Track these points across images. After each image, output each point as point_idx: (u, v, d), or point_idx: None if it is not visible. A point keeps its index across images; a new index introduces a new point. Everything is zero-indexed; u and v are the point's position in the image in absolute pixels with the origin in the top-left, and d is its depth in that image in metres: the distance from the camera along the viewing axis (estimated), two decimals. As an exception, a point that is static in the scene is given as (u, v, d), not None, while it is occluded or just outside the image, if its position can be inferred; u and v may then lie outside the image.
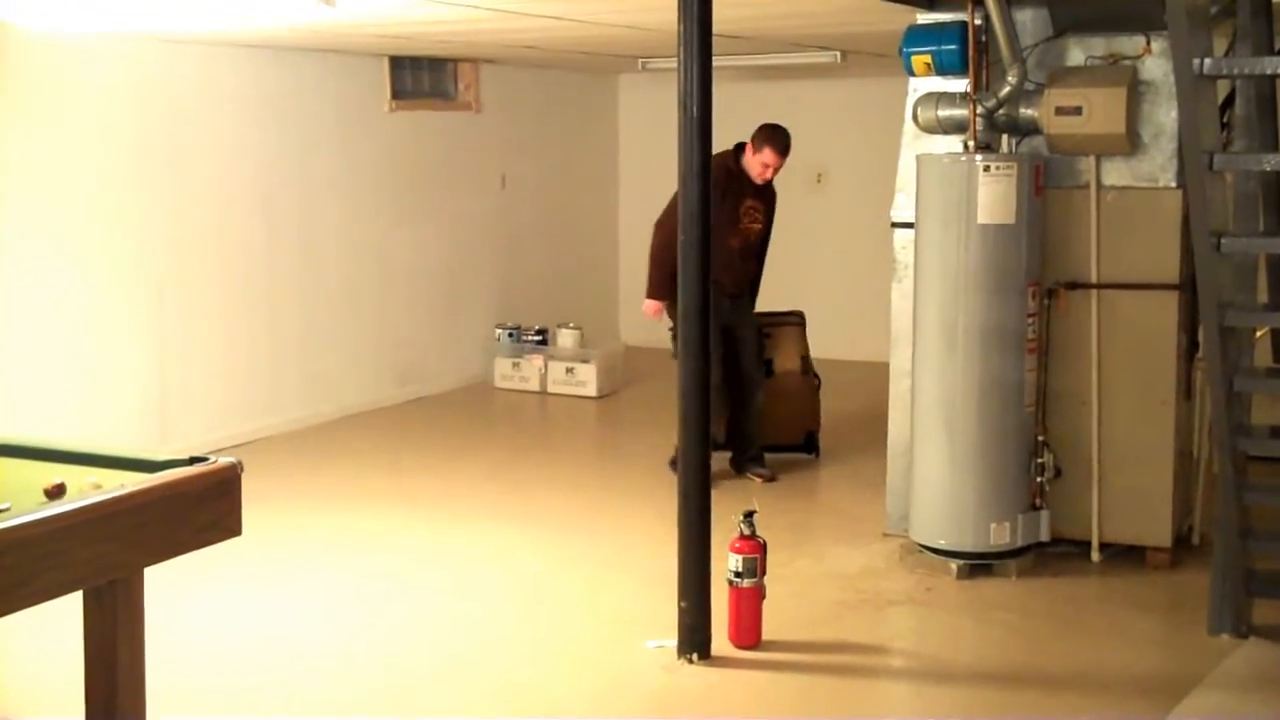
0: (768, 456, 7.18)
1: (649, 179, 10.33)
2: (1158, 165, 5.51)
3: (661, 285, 6.81)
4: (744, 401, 7.08)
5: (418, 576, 5.61)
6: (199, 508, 3.41)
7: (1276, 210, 5.17)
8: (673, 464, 5.81)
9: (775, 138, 6.88)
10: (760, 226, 7.05)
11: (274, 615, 5.20)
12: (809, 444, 7.51)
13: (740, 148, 6.96)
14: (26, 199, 6.76)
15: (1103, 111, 5.42)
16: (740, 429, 7.11)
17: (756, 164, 6.88)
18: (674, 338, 5.96)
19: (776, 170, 6.95)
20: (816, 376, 7.51)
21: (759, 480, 6.95)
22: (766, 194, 7.08)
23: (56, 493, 3.48)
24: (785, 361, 7.45)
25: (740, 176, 6.93)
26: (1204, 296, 4.59)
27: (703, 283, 4.61)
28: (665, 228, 6.64)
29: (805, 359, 7.48)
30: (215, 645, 4.88)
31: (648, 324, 9.77)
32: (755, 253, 7.15)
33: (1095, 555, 5.68)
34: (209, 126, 7.65)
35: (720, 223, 5.99)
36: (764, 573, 4.78)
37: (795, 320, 7.54)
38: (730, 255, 6.82)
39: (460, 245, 9.62)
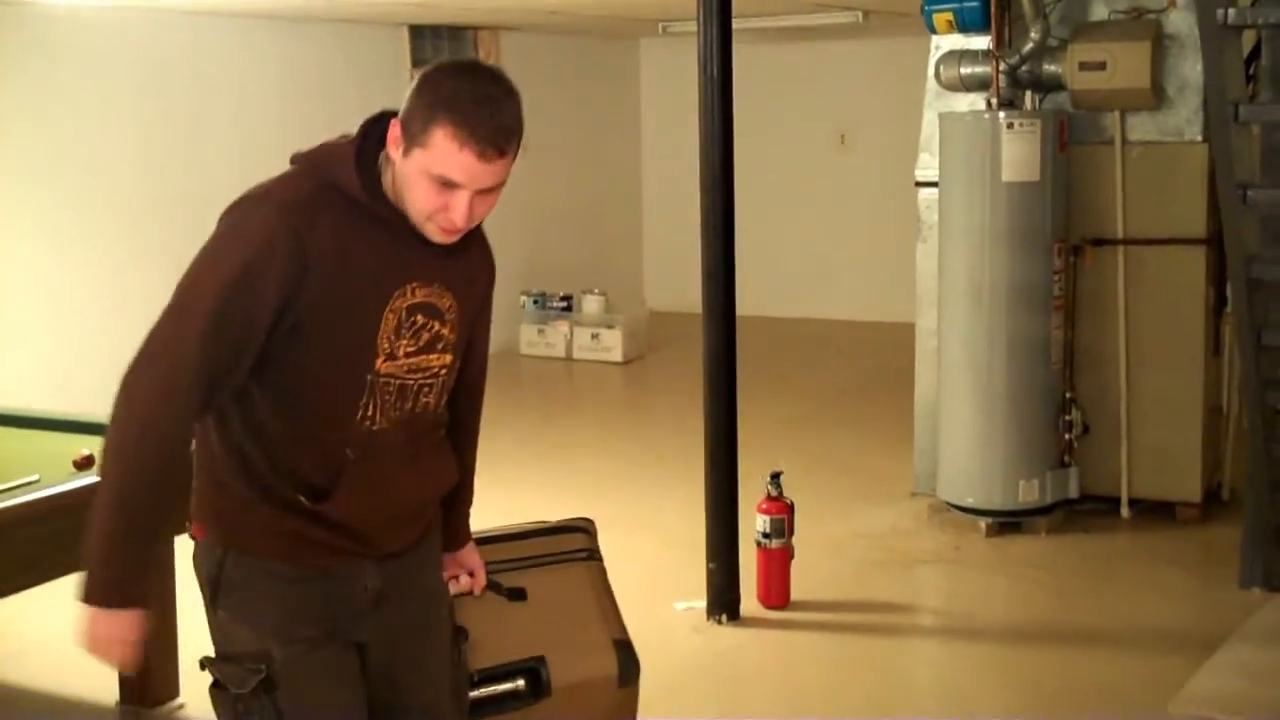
0: None
1: (672, 143, 10.32)
2: (1183, 119, 5.46)
3: (121, 558, 2.23)
4: None
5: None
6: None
7: (1304, 161, 5.13)
8: None
9: (471, 113, 2.18)
10: (451, 355, 2.42)
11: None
12: None
13: (374, 141, 2.32)
14: (47, 175, 6.79)
15: (1127, 66, 5.37)
16: None
17: (422, 187, 2.23)
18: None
19: (489, 194, 2.28)
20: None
21: None
22: (464, 256, 2.43)
23: (85, 464, 3.51)
24: (573, 660, 2.96)
25: (376, 222, 2.29)
26: (1230, 250, 4.56)
27: (727, 240, 4.59)
28: (138, 399, 2.20)
29: (621, 643, 3.03)
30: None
31: (673, 288, 9.72)
32: (435, 422, 2.48)
33: (1125, 511, 5.66)
34: (229, 100, 7.65)
35: (321, 362, 2.27)
36: (792, 533, 4.79)
37: (581, 547, 3.14)
38: (367, 444, 2.34)
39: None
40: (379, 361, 2.31)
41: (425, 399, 2.40)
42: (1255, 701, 3.95)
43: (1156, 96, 5.43)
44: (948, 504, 5.66)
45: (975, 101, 5.67)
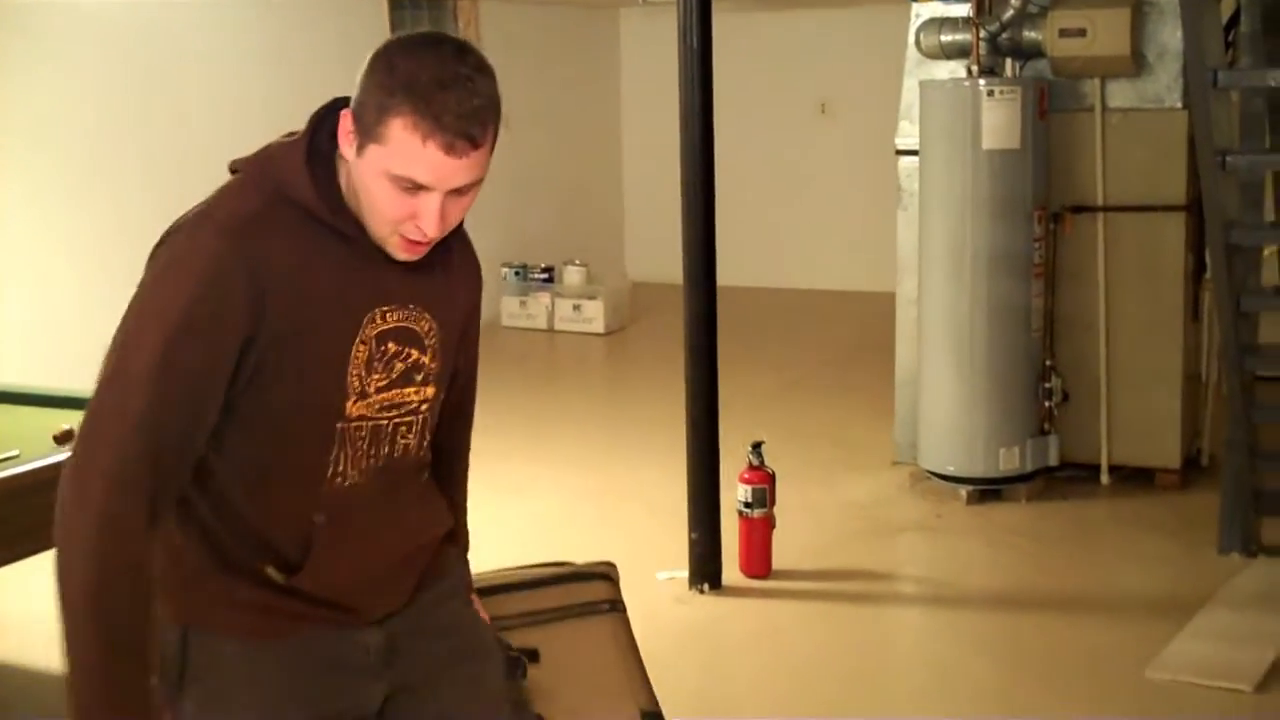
0: None
1: (652, 114, 10.30)
2: (1163, 85, 5.46)
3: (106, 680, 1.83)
4: None
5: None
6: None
7: (1282, 128, 5.14)
8: None
9: (435, 97, 1.80)
10: (434, 387, 2.06)
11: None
12: None
13: (325, 136, 1.94)
14: (31, 149, 6.75)
15: (1107, 33, 5.37)
16: None
17: (381, 192, 1.86)
18: None
19: (464, 194, 1.90)
20: None
21: None
22: (442, 266, 2.06)
23: (65, 439, 3.50)
24: None
25: (336, 237, 1.92)
26: (1209, 215, 4.58)
27: (707, 210, 4.58)
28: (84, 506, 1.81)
29: (650, 715, 2.50)
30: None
31: (654, 259, 9.75)
32: (417, 466, 2.11)
33: (1104, 478, 5.68)
34: (203, 73, 7.60)
35: (284, 415, 1.93)
36: (773, 503, 4.80)
37: (603, 599, 2.72)
38: (338, 505, 1.98)
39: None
40: (349, 404, 1.94)
41: (403, 440, 2.02)
42: (1232, 665, 3.98)
43: (1136, 63, 5.43)
44: (928, 472, 5.68)
45: (956, 69, 5.67)
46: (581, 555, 5.07)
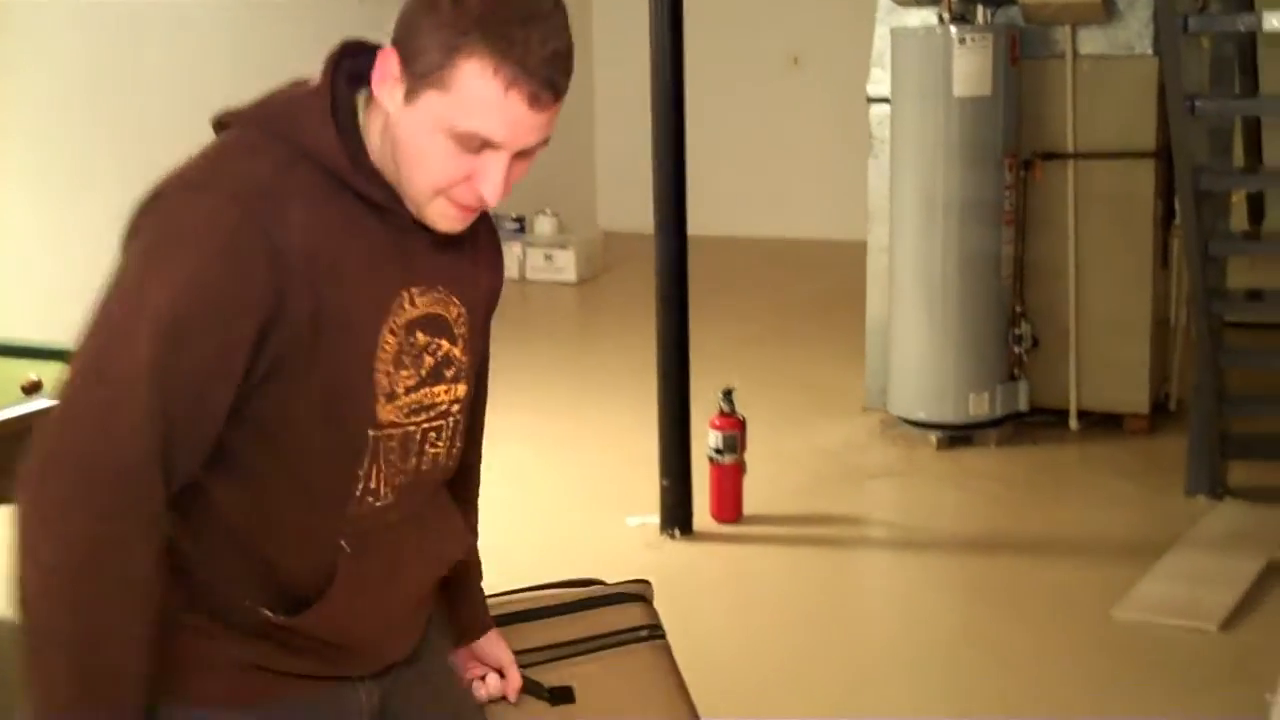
0: None
1: (623, 63, 10.23)
2: (1134, 32, 5.46)
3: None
4: None
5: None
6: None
7: (1251, 73, 5.15)
8: None
9: (519, 37, 1.55)
10: (465, 385, 1.80)
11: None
12: None
13: (344, 85, 1.69)
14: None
15: (1077, -22, 5.37)
16: None
17: (436, 150, 1.58)
18: None
19: (527, 157, 1.67)
20: None
21: None
22: (469, 243, 1.79)
23: (33, 389, 3.48)
24: None
25: (364, 205, 1.64)
26: (1178, 161, 4.60)
27: (678, 159, 4.58)
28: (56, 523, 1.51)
29: None
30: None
31: (626, 208, 9.65)
32: (441, 483, 1.86)
33: (1073, 423, 5.72)
34: (174, 32, 7.53)
35: (306, 421, 1.63)
36: (744, 449, 4.82)
37: (641, 624, 2.28)
38: (368, 527, 1.72)
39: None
40: (379, 406, 1.64)
41: (433, 450, 1.73)
42: (1197, 605, 4.03)
43: (1107, 10, 5.43)
44: (899, 418, 5.71)
45: (927, 17, 5.65)
46: (552, 503, 5.11)
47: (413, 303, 1.66)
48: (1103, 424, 5.72)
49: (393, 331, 1.64)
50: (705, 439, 4.79)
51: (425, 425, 1.70)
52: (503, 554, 4.63)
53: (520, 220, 9.58)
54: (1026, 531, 4.80)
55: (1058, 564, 4.50)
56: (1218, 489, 4.90)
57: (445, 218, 1.63)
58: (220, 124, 1.66)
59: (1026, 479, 5.31)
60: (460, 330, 1.74)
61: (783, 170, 10.72)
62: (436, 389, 1.71)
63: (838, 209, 9.57)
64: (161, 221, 1.54)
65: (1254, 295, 5.70)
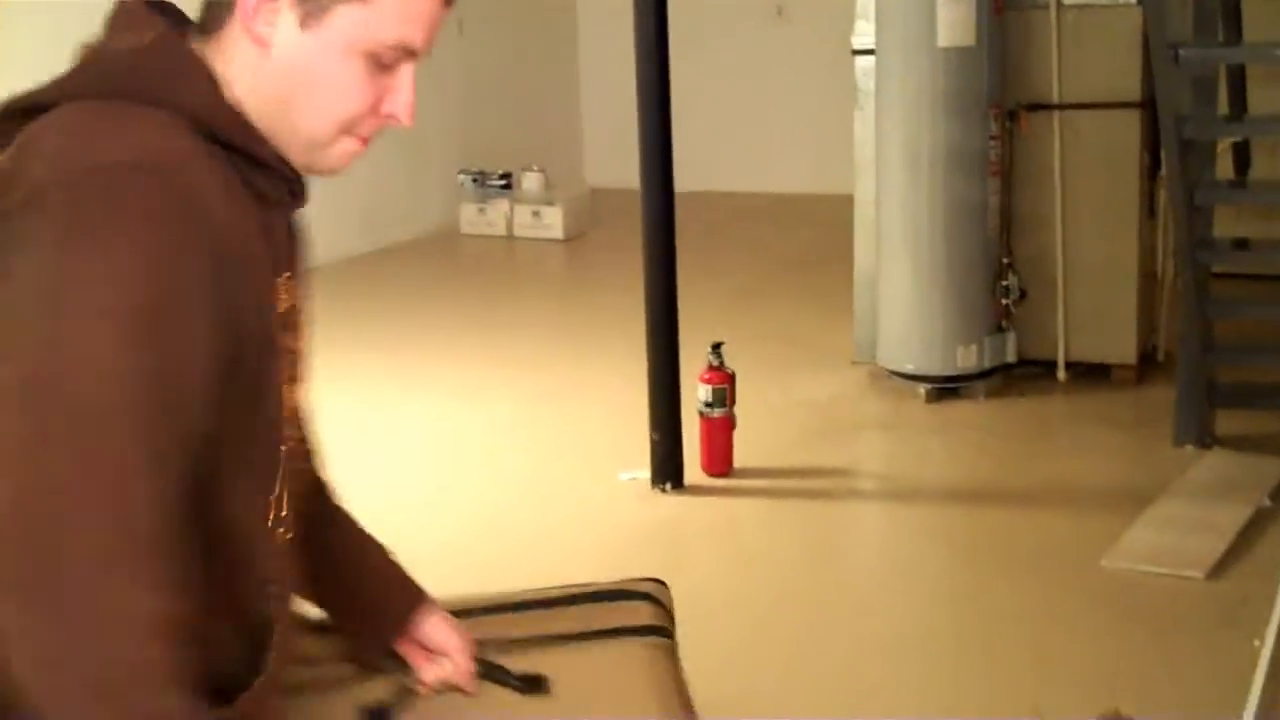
0: None
1: (608, 17, 10.19)
2: (1118, -19, 5.46)
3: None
4: None
5: (388, 418, 5.64)
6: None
7: (1235, 21, 5.15)
8: None
9: None
10: (307, 382, 1.62)
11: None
12: None
13: (177, 28, 1.40)
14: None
15: (1062, -73, 5.36)
16: None
17: (347, 76, 1.40)
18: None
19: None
20: None
21: None
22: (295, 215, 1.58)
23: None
24: None
25: (251, 175, 1.39)
26: (1162, 110, 4.60)
27: (663, 114, 4.57)
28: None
29: None
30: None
31: (613, 164, 9.67)
32: (310, 479, 1.73)
33: (1061, 374, 5.75)
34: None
35: (239, 442, 1.37)
36: (734, 402, 4.83)
37: (645, 624, 1.94)
38: (284, 566, 1.51)
39: (420, 92, 9.45)
40: (284, 413, 1.43)
41: (303, 465, 1.57)
42: (1184, 553, 4.06)
43: (1091, -41, 5.42)
44: (887, 371, 5.73)
45: (911, -33, 5.63)
46: (543, 458, 5.12)
47: (282, 295, 1.43)
48: (1090, 375, 5.74)
49: (280, 326, 1.42)
50: (695, 393, 4.81)
51: (297, 436, 1.53)
52: (496, 512, 4.68)
53: (507, 177, 9.56)
54: (1015, 482, 4.83)
55: (1046, 514, 4.53)
56: (1205, 438, 4.93)
57: (346, 156, 1.43)
58: (65, 91, 1.31)
59: (1015, 430, 5.33)
60: (303, 319, 1.53)
61: (769, 124, 10.70)
62: (297, 392, 1.52)
63: (824, 162, 9.56)
64: (82, 208, 1.21)
65: (1240, 244, 5.72)
